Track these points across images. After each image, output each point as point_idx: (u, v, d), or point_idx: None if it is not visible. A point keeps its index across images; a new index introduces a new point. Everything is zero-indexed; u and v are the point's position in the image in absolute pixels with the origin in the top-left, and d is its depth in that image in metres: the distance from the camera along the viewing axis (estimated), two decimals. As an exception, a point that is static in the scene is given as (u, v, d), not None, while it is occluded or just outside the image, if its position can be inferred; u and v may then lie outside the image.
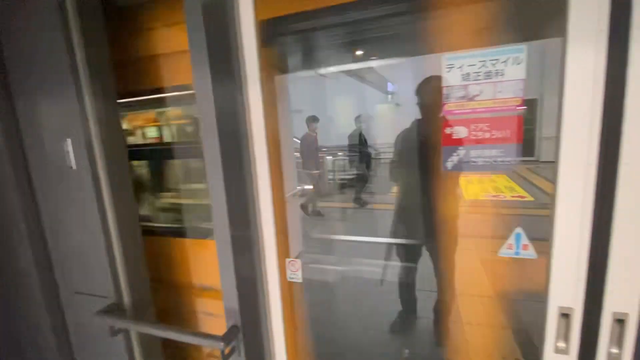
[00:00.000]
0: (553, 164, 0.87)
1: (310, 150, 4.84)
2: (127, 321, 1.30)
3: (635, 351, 0.88)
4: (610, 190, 0.84)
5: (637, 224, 0.83)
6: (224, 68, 1.07)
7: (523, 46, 0.86)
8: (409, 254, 2.42)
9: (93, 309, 1.28)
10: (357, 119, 4.98)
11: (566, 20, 0.81)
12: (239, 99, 1.12)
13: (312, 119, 4.86)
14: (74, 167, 1.26)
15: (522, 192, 5.12)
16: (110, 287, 1.31)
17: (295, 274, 1.22)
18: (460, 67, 0.91)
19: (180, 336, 1.19)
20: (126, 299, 1.35)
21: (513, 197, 5.07)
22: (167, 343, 1.48)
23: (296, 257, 1.23)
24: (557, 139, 0.86)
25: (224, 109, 1.04)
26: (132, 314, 1.35)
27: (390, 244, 2.63)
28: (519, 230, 0.96)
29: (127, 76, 1.57)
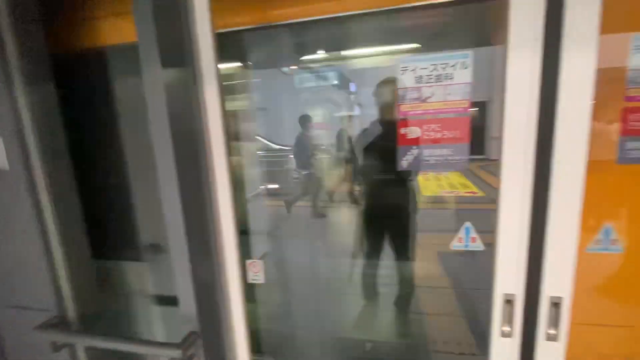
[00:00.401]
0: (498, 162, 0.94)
1: (306, 150, 4.74)
2: (71, 335, 1.20)
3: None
4: (545, 187, 0.92)
5: (568, 217, 0.92)
6: (176, 61, 1.02)
7: (469, 52, 0.92)
8: (374, 252, 2.48)
9: (33, 323, 1.17)
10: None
11: (507, 30, 0.87)
12: (194, 95, 1.08)
13: (307, 119, 4.71)
14: (7, 168, 1.14)
15: (474, 188, 5.48)
16: (52, 299, 1.20)
17: (257, 275, 1.20)
18: (413, 70, 0.95)
19: (133, 347, 1.12)
20: (71, 311, 1.25)
21: (466, 193, 5.41)
22: (121, 356, 1.39)
23: (260, 258, 1.21)
24: (501, 138, 0.93)
25: (176, 106, 1.00)
26: (78, 327, 1.25)
27: (358, 243, 2.67)
28: (468, 224, 1.02)
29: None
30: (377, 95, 1.86)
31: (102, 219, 1.40)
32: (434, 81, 0.94)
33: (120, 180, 1.41)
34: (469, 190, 5.48)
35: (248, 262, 1.21)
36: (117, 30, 1.37)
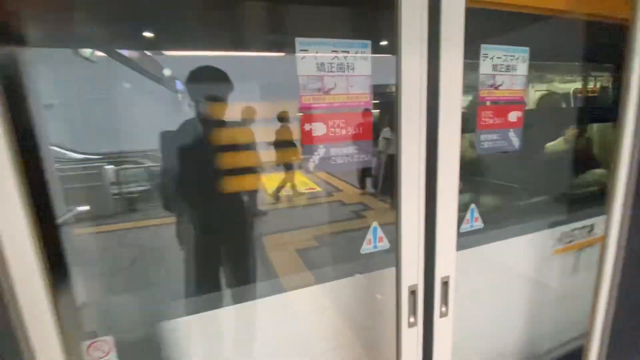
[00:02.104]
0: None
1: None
2: None
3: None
4: (434, 177, 0.98)
5: (450, 203, 1.02)
6: None
7: (368, 42, 0.86)
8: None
9: None
10: None
11: (399, 33, 0.86)
12: None
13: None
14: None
15: (313, 185, 6.01)
16: None
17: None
18: (315, 56, 0.81)
19: None
20: None
21: (307, 189, 5.86)
22: None
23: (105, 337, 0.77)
24: (397, 137, 0.92)
25: None
26: None
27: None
28: (375, 224, 0.98)
29: None
30: (192, 87, 1.43)
31: None
32: (336, 70, 0.83)
33: None
34: (309, 187, 5.95)
35: (86, 343, 0.74)
36: None
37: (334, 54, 0.83)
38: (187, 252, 1.56)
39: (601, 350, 1.51)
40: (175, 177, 1.51)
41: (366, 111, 0.89)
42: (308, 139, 0.85)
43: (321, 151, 0.87)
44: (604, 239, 1.35)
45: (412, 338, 1.09)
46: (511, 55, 1.04)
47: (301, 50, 0.80)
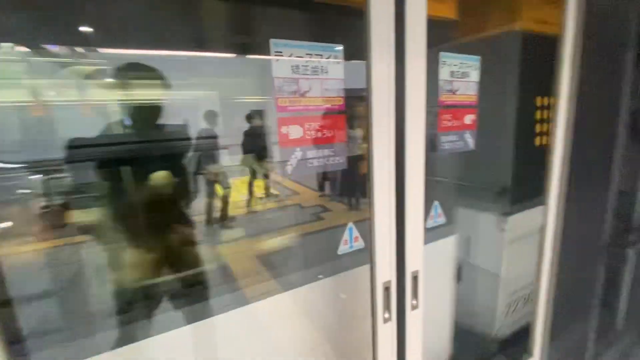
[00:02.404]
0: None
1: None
2: None
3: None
4: (402, 177, 1.03)
5: (417, 202, 1.08)
6: None
7: (341, 47, 0.87)
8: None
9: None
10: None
11: (369, 40, 0.89)
12: None
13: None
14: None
15: (272, 189, 5.94)
16: None
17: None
18: (290, 57, 0.80)
19: None
20: None
21: (263, 194, 5.77)
22: None
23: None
24: (369, 139, 0.95)
25: None
26: None
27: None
28: (350, 224, 1.00)
29: None
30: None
31: None
32: (310, 73, 0.83)
33: None
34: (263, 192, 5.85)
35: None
36: None
37: (308, 57, 0.83)
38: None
39: (546, 323, 1.71)
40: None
41: (340, 114, 0.90)
42: (285, 142, 0.84)
43: (298, 154, 0.86)
44: (543, 226, 1.53)
45: (387, 333, 1.13)
46: (466, 64, 1.14)
47: (275, 52, 0.79)
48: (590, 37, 1.40)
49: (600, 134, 1.39)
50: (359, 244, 1.07)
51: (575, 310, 1.61)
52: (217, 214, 2.50)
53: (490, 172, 1.73)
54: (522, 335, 1.90)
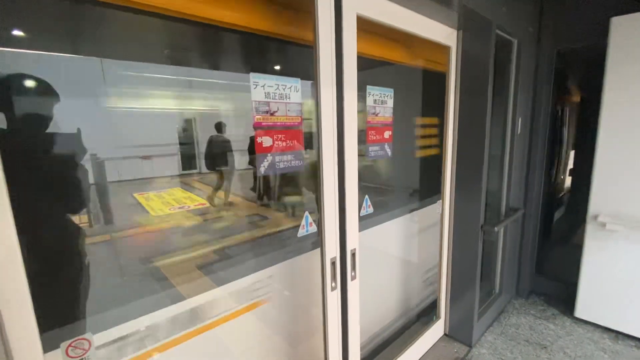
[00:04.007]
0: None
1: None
2: None
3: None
4: (342, 173, 1.38)
5: (352, 194, 1.43)
6: None
7: (298, 79, 1.19)
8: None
9: None
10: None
11: (317, 68, 1.23)
12: None
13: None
14: None
15: (202, 200, 5.84)
16: None
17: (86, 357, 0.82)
18: (263, 86, 1.08)
19: None
20: None
21: (196, 205, 5.66)
22: None
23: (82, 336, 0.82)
24: (318, 147, 1.28)
25: None
26: None
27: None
28: (307, 213, 1.29)
29: None
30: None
31: None
32: (278, 98, 1.13)
33: None
34: (198, 203, 5.74)
35: (65, 344, 0.78)
36: None
37: (276, 86, 1.12)
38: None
39: (446, 291, 2.23)
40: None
41: (298, 129, 1.21)
42: (260, 149, 1.10)
43: (269, 158, 1.14)
44: (442, 214, 2.05)
45: (334, 299, 1.44)
46: (383, 93, 1.56)
47: (254, 82, 1.06)
48: (463, 74, 1.99)
49: (475, 145, 1.97)
50: (313, 228, 1.38)
51: (465, 279, 2.16)
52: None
53: (402, 177, 2.23)
54: (432, 307, 2.42)
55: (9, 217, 0.71)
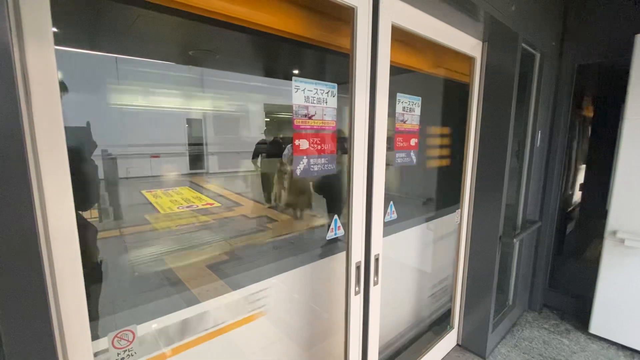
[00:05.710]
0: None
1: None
2: None
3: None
4: (370, 180, 1.39)
5: (378, 201, 1.45)
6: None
7: (335, 84, 1.21)
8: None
9: None
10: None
11: (353, 74, 1.25)
12: None
13: None
14: None
15: (210, 200, 5.86)
16: None
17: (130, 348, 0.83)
18: (303, 90, 1.10)
19: None
20: None
21: (204, 205, 5.68)
22: None
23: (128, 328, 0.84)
24: (350, 150, 1.29)
25: None
26: None
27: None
28: (335, 217, 1.31)
29: None
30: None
31: None
32: (316, 102, 1.15)
33: None
34: (206, 202, 5.77)
35: (113, 335, 0.80)
36: None
37: (315, 90, 1.14)
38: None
39: (461, 301, 2.21)
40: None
41: (333, 133, 1.23)
42: (297, 151, 1.12)
43: (305, 161, 1.15)
44: (460, 223, 2.05)
45: (357, 303, 1.45)
46: (411, 101, 1.58)
47: (295, 86, 1.09)
48: (487, 85, 2.00)
49: (497, 156, 1.98)
50: (341, 231, 1.39)
51: (480, 289, 2.16)
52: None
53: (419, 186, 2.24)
54: (445, 316, 2.41)
55: (72, 214, 0.73)
